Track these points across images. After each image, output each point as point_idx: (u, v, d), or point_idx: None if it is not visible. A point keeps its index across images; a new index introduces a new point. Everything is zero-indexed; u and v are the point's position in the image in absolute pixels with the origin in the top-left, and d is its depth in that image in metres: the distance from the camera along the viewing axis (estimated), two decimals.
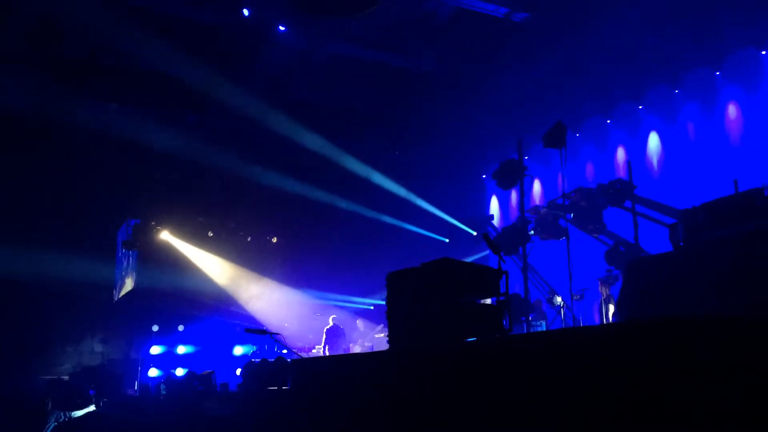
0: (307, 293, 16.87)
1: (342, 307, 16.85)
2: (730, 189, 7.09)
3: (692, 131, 12.30)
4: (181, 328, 16.35)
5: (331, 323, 14.62)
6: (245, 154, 15.21)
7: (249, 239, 17.61)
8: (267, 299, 16.78)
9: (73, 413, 11.20)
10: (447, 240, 17.29)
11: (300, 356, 9.70)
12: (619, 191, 9.66)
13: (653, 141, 13.00)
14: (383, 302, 5.15)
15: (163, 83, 13.97)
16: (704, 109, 12.15)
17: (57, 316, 15.87)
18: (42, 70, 13.37)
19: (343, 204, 16.59)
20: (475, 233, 16.15)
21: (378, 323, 14.77)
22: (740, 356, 2.87)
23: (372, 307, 16.84)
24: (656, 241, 10.18)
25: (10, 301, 14.86)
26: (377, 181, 16.51)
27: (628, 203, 10.42)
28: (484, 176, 17.83)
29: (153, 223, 16.13)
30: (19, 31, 12.46)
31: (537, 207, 12.10)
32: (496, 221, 16.79)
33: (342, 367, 5.47)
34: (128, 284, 16.65)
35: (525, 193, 10.21)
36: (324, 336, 14.36)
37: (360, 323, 15.17)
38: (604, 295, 10.59)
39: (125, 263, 17.23)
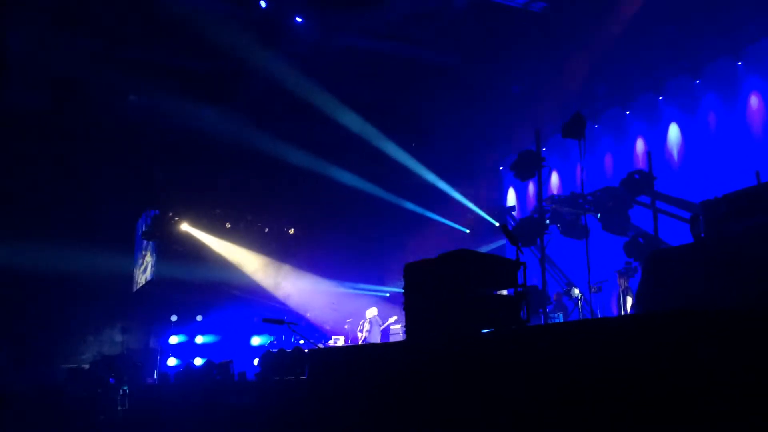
0: (323, 281, 16.97)
1: (358, 295, 16.94)
2: (751, 180, 7.00)
3: (713, 122, 12.13)
4: (199, 318, 16.52)
5: (371, 315, 14.52)
6: (263, 146, 15.24)
7: (266, 230, 17.73)
8: (286, 289, 16.92)
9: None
10: (467, 231, 17.25)
11: (317, 346, 9.75)
12: (638, 182, 9.55)
13: (673, 132, 12.84)
14: (398, 290, 5.16)
15: (180, 75, 14.05)
16: (725, 99, 11.98)
17: (78, 306, 16.12)
18: (58, 59, 13.47)
19: (360, 190, 16.58)
20: (497, 224, 16.10)
21: (389, 312, 14.69)
22: (761, 350, 2.83)
23: (388, 294, 16.87)
24: (676, 232, 10.09)
25: (32, 291, 15.11)
26: (395, 170, 16.45)
27: (646, 199, 10.31)
28: (501, 168, 17.75)
29: (171, 214, 16.28)
30: (38, 20, 12.56)
31: (553, 196, 12.00)
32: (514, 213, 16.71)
33: (359, 357, 5.48)
34: (147, 275, 16.84)
35: (543, 185, 10.14)
36: (366, 326, 14.31)
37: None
38: (623, 287, 10.51)
39: (144, 254, 17.42)
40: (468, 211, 16.93)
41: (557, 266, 13.49)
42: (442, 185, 16.80)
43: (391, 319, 14.27)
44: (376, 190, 16.66)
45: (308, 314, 16.58)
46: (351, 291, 17.17)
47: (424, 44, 13.93)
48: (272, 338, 15.68)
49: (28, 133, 14.74)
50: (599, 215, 10.43)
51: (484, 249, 15.30)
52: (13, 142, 14.56)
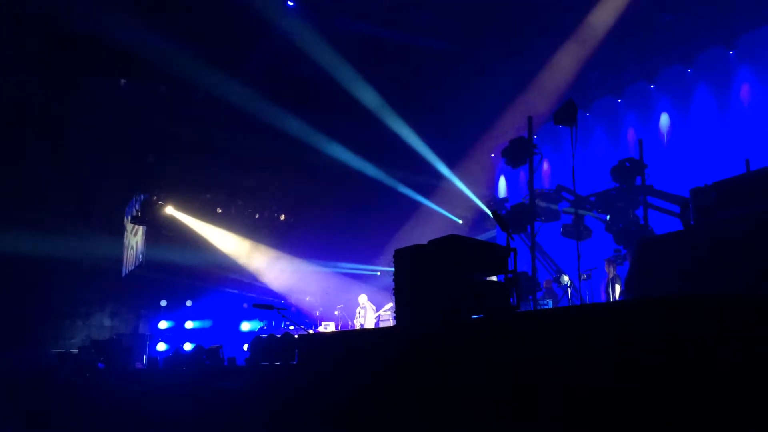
0: (314, 264, 16.99)
1: (349, 282, 16.97)
2: (741, 169, 7.03)
3: (705, 111, 12.17)
4: (189, 303, 16.49)
5: (364, 301, 14.52)
6: (256, 129, 15.16)
7: (257, 216, 17.70)
8: (276, 274, 16.93)
9: None
10: (460, 222, 17.27)
11: (307, 332, 9.76)
12: (629, 170, 9.52)
13: (665, 121, 12.88)
14: (389, 268, 5.14)
15: (169, 60, 13.92)
16: (717, 88, 12.02)
17: (67, 290, 16.07)
18: (48, 48, 13.33)
19: (354, 175, 16.56)
20: (489, 211, 16.11)
21: (385, 296, 14.68)
22: (749, 337, 2.85)
23: (378, 273, 16.87)
24: (666, 222, 10.10)
25: (21, 275, 15.04)
26: (390, 155, 16.40)
27: (638, 180, 10.24)
28: (492, 155, 17.73)
29: (155, 198, 16.24)
30: (19, 16, 12.43)
31: (537, 191, 11.81)
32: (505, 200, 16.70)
33: (349, 343, 5.48)
34: (137, 259, 16.78)
35: (534, 172, 10.08)
36: (361, 312, 14.33)
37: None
38: (611, 275, 10.52)
39: (134, 238, 17.35)
40: (460, 198, 16.92)
41: (546, 254, 13.49)
42: (435, 170, 16.76)
43: (387, 306, 14.27)
44: (370, 170, 16.65)
45: (308, 298, 16.63)
46: (342, 270, 17.20)
47: (419, 30, 13.86)
48: (263, 323, 15.69)
49: (17, 117, 14.60)
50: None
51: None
52: (2, 125, 14.43)
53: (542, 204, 11.01)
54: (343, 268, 17.32)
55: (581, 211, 10.05)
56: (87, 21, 12.75)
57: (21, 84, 13.86)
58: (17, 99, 14.09)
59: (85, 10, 12.47)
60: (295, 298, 16.70)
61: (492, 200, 15.85)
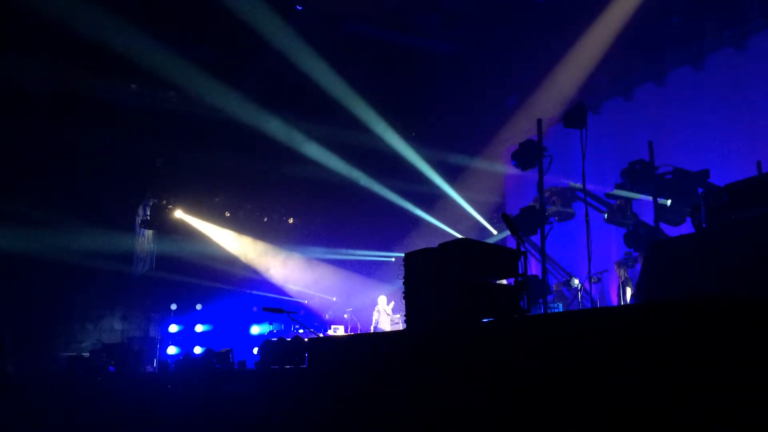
0: (325, 254, 17.08)
1: (365, 264, 17.07)
2: (753, 171, 6.99)
3: (715, 112, 12.10)
4: (199, 306, 16.56)
5: (379, 305, 14.57)
6: (263, 134, 15.20)
7: (266, 220, 17.78)
8: (287, 271, 17.02)
9: None
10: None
11: (317, 335, 9.77)
12: (639, 172, 9.46)
13: (675, 122, 12.82)
14: (401, 254, 5.15)
15: (179, 66, 13.99)
16: (727, 90, 11.93)
17: (78, 294, 16.14)
18: (60, 49, 13.40)
19: (362, 182, 16.60)
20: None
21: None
22: (761, 339, 2.83)
23: (393, 259, 16.87)
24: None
25: (31, 278, 15.10)
26: (394, 164, 16.39)
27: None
28: (502, 156, 17.70)
29: (164, 202, 16.33)
30: (36, 15, 12.49)
31: (552, 188, 11.82)
32: (512, 202, 16.70)
33: (359, 346, 5.48)
34: (147, 263, 16.87)
35: (544, 174, 10.05)
36: (374, 315, 14.40)
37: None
38: (622, 278, 10.49)
39: (144, 242, 17.44)
40: (462, 207, 16.91)
41: (554, 260, 13.41)
42: (440, 173, 16.73)
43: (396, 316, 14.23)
44: (373, 173, 16.66)
45: (334, 298, 16.72)
46: (356, 258, 17.26)
47: (423, 33, 13.86)
48: (276, 326, 15.75)
49: (27, 119, 14.69)
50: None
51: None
52: (13, 128, 14.52)
53: (557, 204, 10.96)
54: (357, 255, 17.39)
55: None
56: (101, 29, 12.84)
57: (31, 88, 13.96)
58: (28, 103, 14.19)
59: (99, 19, 12.56)
60: (318, 298, 16.81)
61: (499, 207, 15.91)
